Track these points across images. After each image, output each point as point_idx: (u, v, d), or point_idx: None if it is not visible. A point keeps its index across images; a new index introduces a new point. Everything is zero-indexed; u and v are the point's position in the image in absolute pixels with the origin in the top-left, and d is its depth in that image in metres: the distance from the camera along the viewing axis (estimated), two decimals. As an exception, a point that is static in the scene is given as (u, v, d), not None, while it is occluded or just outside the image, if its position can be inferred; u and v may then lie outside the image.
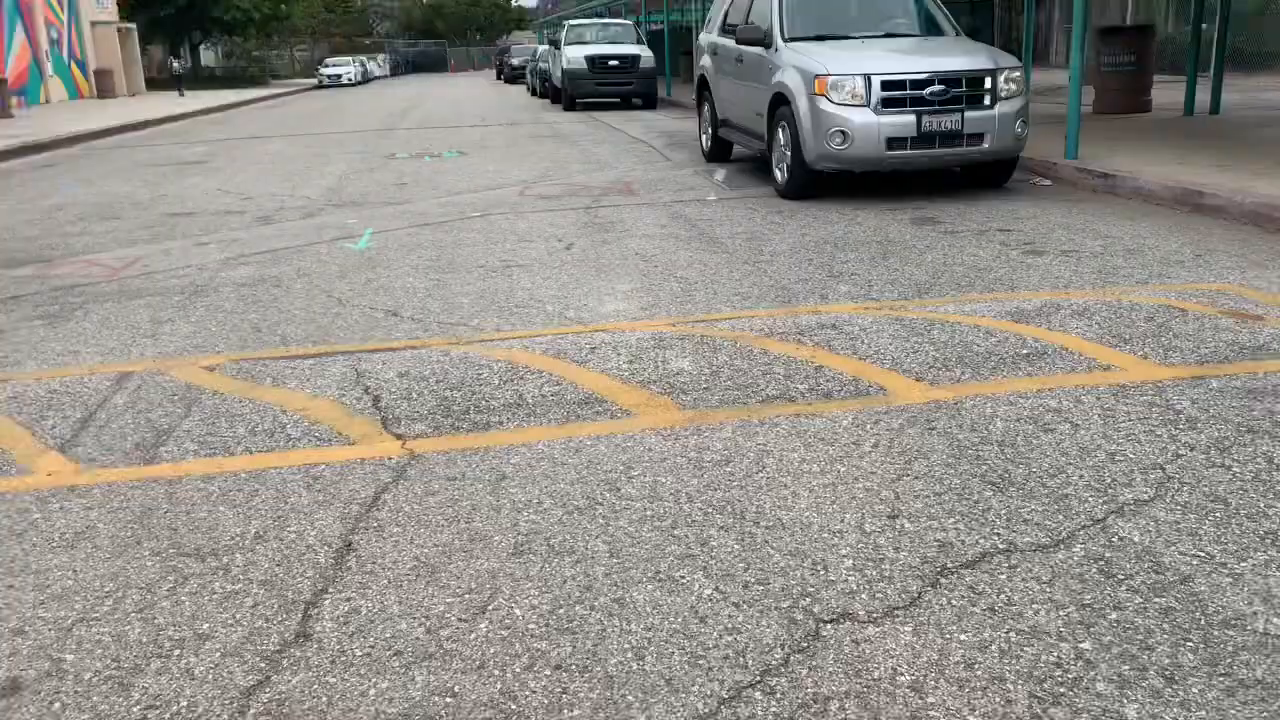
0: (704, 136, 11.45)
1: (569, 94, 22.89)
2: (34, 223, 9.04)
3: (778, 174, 8.77)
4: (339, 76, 50.62)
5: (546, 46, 31.26)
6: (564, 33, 24.33)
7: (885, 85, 7.86)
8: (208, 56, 61.30)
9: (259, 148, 16.06)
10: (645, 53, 22.77)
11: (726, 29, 10.53)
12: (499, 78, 52.88)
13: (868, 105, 7.88)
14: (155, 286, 6.24)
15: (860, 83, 7.87)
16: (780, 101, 8.56)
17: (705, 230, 7.35)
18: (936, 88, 7.85)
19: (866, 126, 7.84)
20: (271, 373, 4.38)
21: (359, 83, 52.09)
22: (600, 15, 34.58)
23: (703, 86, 11.25)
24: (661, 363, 4.22)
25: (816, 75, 8.00)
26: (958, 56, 8.18)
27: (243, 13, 46.26)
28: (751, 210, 8.11)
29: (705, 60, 11.12)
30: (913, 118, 7.83)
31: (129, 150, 16.79)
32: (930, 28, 9.28)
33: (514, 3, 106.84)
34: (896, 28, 9.26)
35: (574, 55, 22.57)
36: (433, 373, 4.22)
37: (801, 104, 8.12)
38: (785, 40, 8.83)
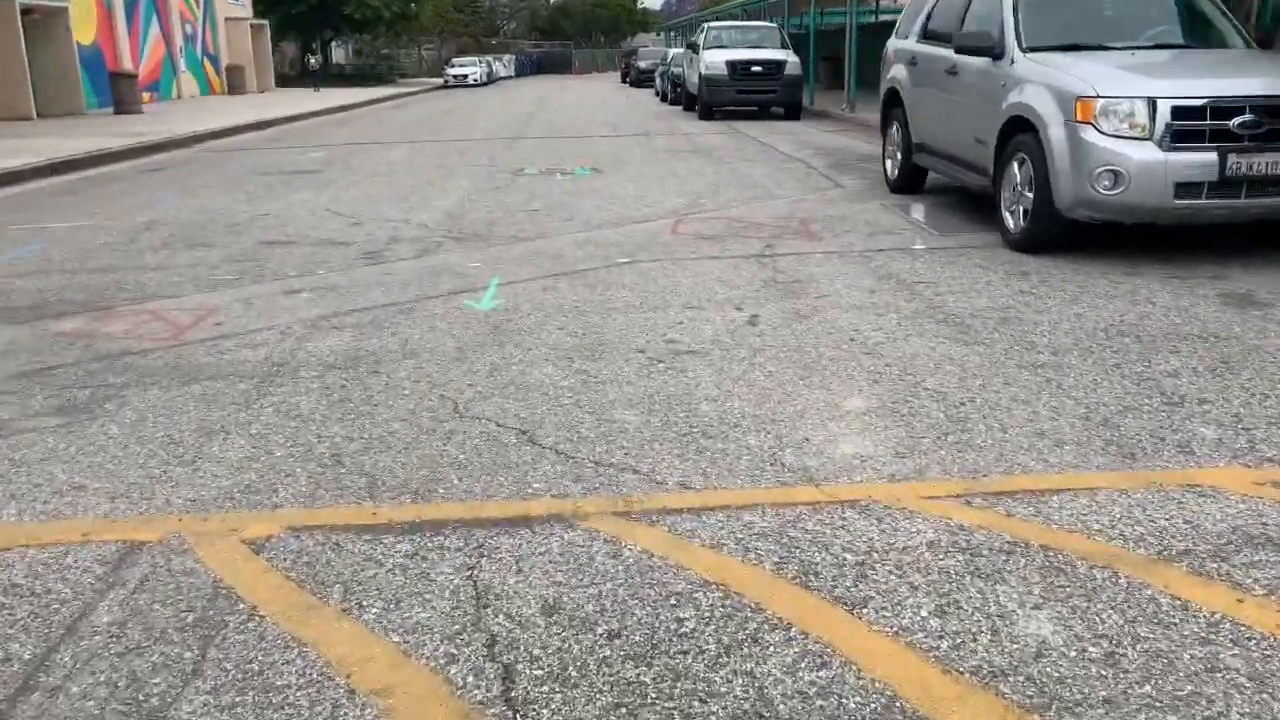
0: (889, 162, 9.59)
1: (706, 101, 21.19)
2: (114, 247, 7.79)
3: (1008, 219, 6.87)
4: (465, 76, 50.08)
5: (680, 50, 29.67)
6: (702, 35, 22.65)
7: (1177, 113, 5.89)
8: (338, 54, 61.81)
9: (378, 155, 14.84)
10: (791, 58, 20.92)
11: (929, 35, 8.66)
12: (624, 81, 51.62)
13: (1150, 138, 5.93)
14: (220, 363, 4.77)
15: (1142, 108, 5.93)
16: (1018, 128, 6.66)
17: (933, 301, 5.53)
18: (1247, 118, 5.84)
19: (1149, 166, 5.89)
20: (344, 566, 2.78)
21: (484, 83, 51.53)
22: (736, 18, 32.81)
23: (892, 102, 9.39)
24: (995, 614, 2.45)
25: (1079, 96, 6.08)
26: (1273, 76, 6.15)
27: (372, 10, 46.09)
28: (983, 269, 6.25)
29: (897, 71, 9.25)
30: (1213, 156, 5.85)
31: (244, 154, 15.81)
32: (1209, 37, 7.24)
33: (640, 4, 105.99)
34: (1163, 36, 7.25)
35: (714, 60, 20.86)
36: (599, 605, 2.54)
37: (1054, 133, 6.21)
38: (1024, 49, 6.93)
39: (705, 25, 23.66)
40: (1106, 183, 5.98)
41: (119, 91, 25.34)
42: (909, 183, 9.20)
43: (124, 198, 10.89)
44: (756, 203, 9.38)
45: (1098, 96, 6.03)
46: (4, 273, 6.96)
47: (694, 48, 22.90)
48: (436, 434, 3.78)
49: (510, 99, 34.96)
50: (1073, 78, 6.26)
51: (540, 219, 8.73)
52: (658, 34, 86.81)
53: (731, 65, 20.60)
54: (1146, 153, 5.91)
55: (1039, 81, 6.52)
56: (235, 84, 37.28)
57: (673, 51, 31.77)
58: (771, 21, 26.92)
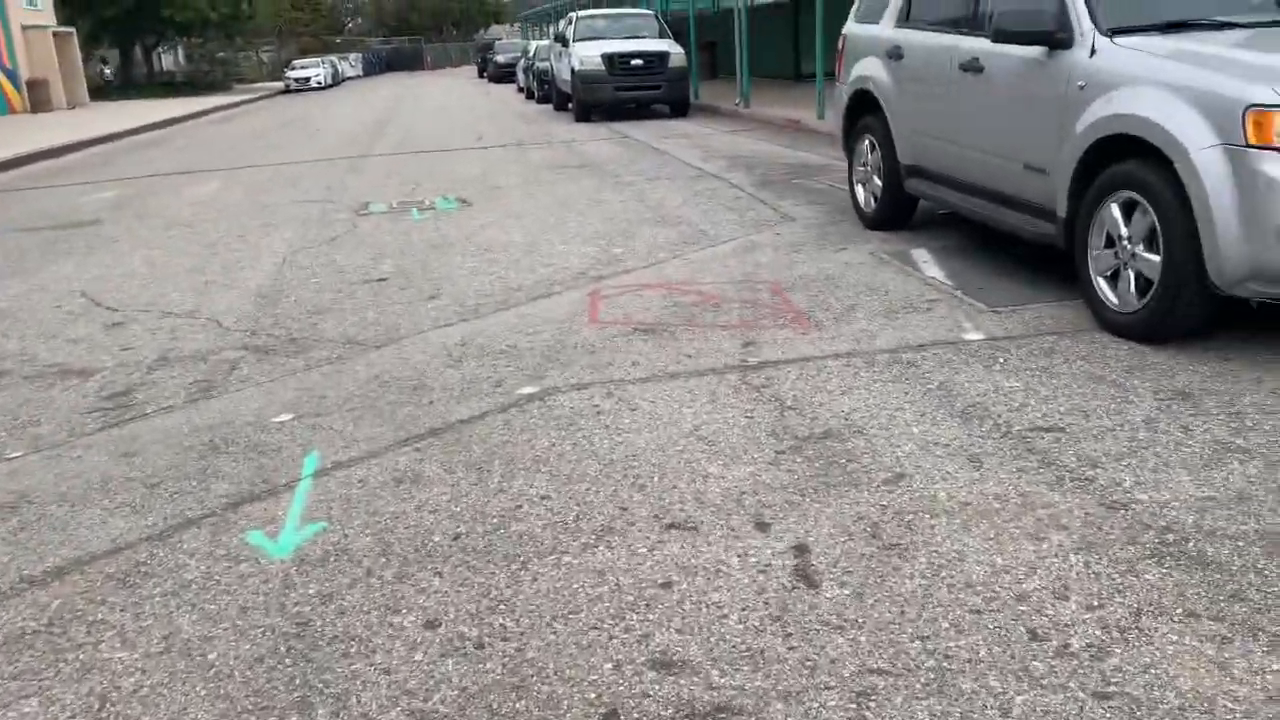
0: (861, 189, 7.20)
1: (583, 101, 18.63)
2: None
3: (1104, 289, 4.55)
4: (307, 80, 46.08)
5: (545, 43, 26.97)
6: (572, 26, 20.05)
7: None
8: (168, 60, 56.52)
9: (185, 191, 11.76)
10: (675, 49, 18.56)
11: (917, 16, 6.31)
12: (481, 76, 48.46)
13: (1371, 168, 3.68)
14: None
15: (1357, 121, 3.67)
16: (1117, 152, 4.36)
17: (1098, 484, 3.14)
18: None
19: (1377, 215, 3.65)
20: None
21: (330, 85, 47.60)
22: (602, 4, 30.25)
23: (861, 108, 7.01)
24: None
25: (1253, 105, 3.79)
26: None
27: (197, 13, 41.61)
28: (1111, 387, 3.90)
29: (868, 67, 6.86)
30: None
31: (16, 196, 12.47)
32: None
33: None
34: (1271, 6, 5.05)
35: (588, 54, 18.31)
36: None
37: (1203, 162, 3.91)
38: (1106, 32, 4.62)
39: (574, 15, 21.05)
40: (1305, 242, 3.71)
41: (-122, 118, 21.15)
42: (894, 216, 6.85)
43: None
44: (693, 250, 6.89)
45: (1284, 104, 3.74)
46: None
47: (563, 40, 20.29)
48: None
49: (358, 103, 31.60)
50: (1226, 75, 3.96)
51: (390, 299, 6.04)
52: (512, 25, 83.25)
53: (609, 59, 18.11)
54: (1371, 193, 3.65)
55: (1156, 80, 4.21)
56: (39, 100, 32.74)
57: (535, 44, 29.01)
58: (642, 8, 24.46)
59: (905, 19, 6.45)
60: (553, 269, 6.62)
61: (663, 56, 18.22)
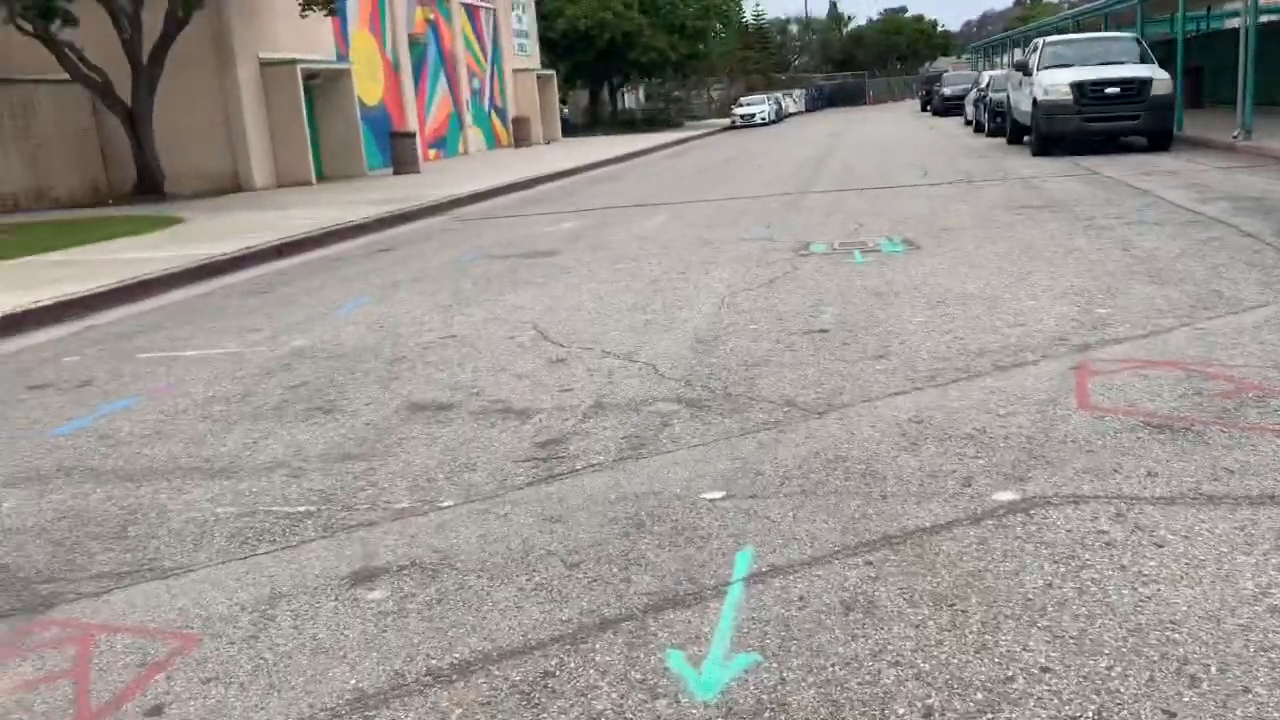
0: None
1: (1044, 133, 16.98)
2: (210, 409, 5.31)
3: None
4: (752, 116, 47.53)
5: (1000, 72, 25.28)
6: (1037, 54, 18.40)
7: None
8: (629, 99, 61.45)
9: (634, 225, 12.12)
10: (1159, 74, 16.29)
11: None
12: (924, 109, 47.06)
13: None
14: None
15: None
16: None
17: None
18: None
19: None
20: None
21: (773, 121, 48.74)
22: (1065, 30, 27.77)
23: None
24: None
25: None
26: None
27: (659, 54, 44.65)
28: None
29: None
30: None
31: (491, 224, 13.69)
32: None
33: (939, 28, 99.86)
34: None
35: (1054, 82, 16.63)
36: None
37: None
38: None
39: (1040, 41, 19.35)
40: None
41: (397, 152, 24.73)
42: None
43: (309, 299, 8.72)
44: (1207, 317, 5.54)
45: None
46: (16, 467, 4.57)
47: (1024, 68, 18.69)
48: None
49: (798, 139, 31.81)
50: None
51: (832, 354, 5.41)
52: (958, 57, 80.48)
53: (1078, 87, 16.30)
54: None
55: None
56: (521, 136, 36.69)
57: (989, 75, 27.29)
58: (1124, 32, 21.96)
59: None
60: (1022, 331, 5.62)
61: (1144, 83, 16.07)
